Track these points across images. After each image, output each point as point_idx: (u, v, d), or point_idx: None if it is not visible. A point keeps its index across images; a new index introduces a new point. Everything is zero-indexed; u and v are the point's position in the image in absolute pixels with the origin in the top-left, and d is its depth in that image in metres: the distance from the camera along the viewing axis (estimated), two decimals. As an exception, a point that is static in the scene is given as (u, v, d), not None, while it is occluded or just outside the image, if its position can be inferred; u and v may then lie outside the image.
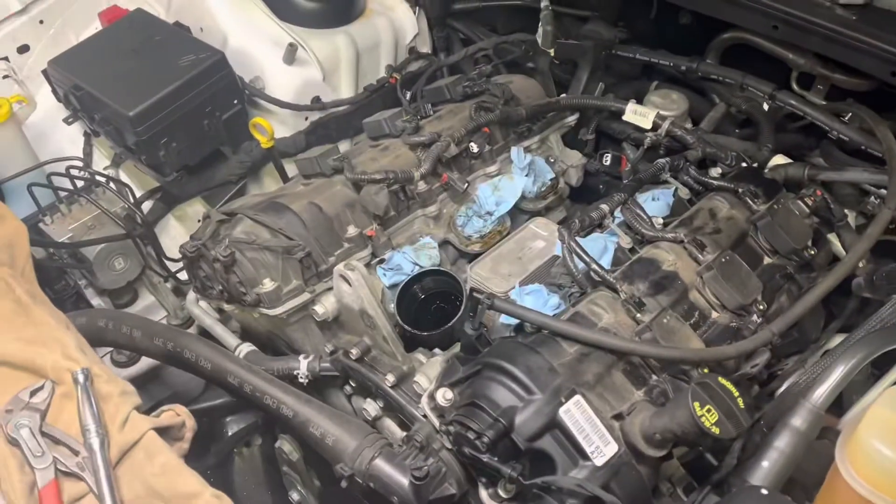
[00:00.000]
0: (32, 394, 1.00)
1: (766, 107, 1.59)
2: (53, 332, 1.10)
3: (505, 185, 1.57)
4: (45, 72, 1.77)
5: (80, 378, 0.99)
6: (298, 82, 1.83)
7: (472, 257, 1.53)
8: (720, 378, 0.98)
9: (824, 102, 1.58)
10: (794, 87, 1.63)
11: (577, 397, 1.06)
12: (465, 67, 1.96)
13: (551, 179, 1.66)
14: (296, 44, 1.80)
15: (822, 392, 0.95)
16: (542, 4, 1.69)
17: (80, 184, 1.68)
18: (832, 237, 1.45)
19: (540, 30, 1.71)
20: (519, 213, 1.63)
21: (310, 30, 1.89)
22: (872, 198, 1.38)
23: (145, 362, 1.64)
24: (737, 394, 0.97)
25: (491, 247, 1.53)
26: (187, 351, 1.26)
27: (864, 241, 1.23)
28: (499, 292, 1.40)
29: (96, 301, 1.74)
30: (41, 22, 1.87)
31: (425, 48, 2.06)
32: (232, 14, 1.85)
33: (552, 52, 1.73)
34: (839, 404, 1.15)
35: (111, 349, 1.63)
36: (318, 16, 1.91)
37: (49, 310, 1.17)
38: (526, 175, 1.61)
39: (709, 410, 0.94)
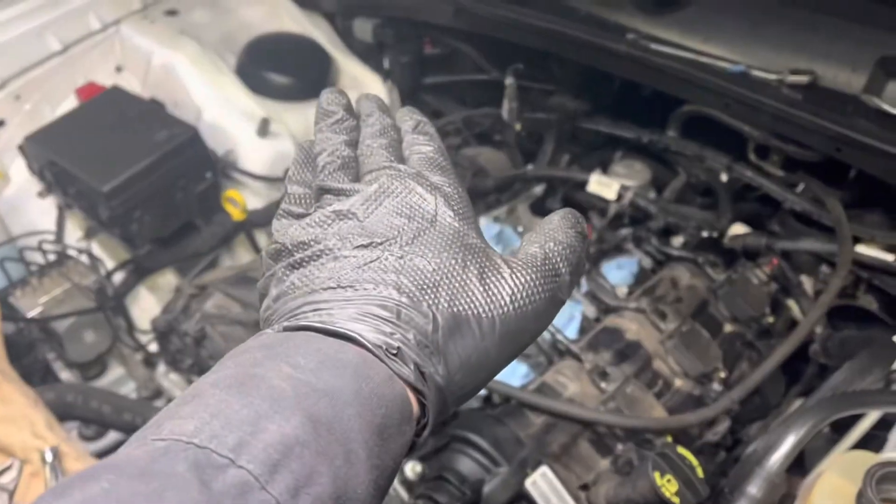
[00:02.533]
0: (0, 473, 0.99)
1: (724, 177, 1.65)
2: (23, 409, 1.10)
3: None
4: (20, 147, 1.79)
5: (49, 457, 1.00)
6: (271, 155, 1.87)
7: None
8: (679, 448, 1.01)
9: (781, 173, 1.64)
10: (752, 157, 1.70)
11: (544, 468, 1.07)
12: (435, 139, 2.02)
13: (519, 248, 1.70)
14: (268, 118, 1.85)
15: (776, 460, 0.97)
16: (507, 81, 1.76)
17: (51, 257, 1.69)
18: (792, 303, 1.49)
19: (505, 105, 1.78)
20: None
21: (283, 103, 1.95)
22: (824, 267, 1.43)
23: (113, 436, 1.63)
24: (696, 463, 0.99)
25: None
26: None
27: (817, 309, 1.27)
28: (468, 361, 1.42)
29: (65, 374, 1.73)
30: (17, 97, 1.90)
31: (396, 120, 2.11)
32: (206, 89, 1.90)
33: (518, 125, 1.79)
34: (802, 466, 1.17)
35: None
36: (290, 90, 1.96)
37: (19, 386, 1.17)
38: (495, 244, 1.65)
39: (669, 480, 0.96)
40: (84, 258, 1.73)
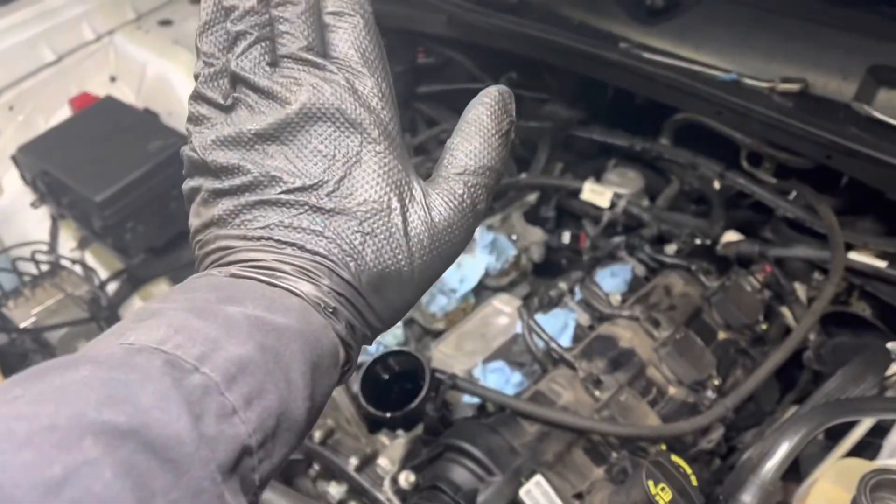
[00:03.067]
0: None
1: (717, 185, 1.66)
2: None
3: (468, 262, 1.61)
4: (13, 157, 1.79)
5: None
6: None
7: (437, 335, 1.56)
8: (673, 456, 1.00)
9: (774, 180, 1.65)
10: (745, 164, 1.70)
11: (538, 477, 1.07)
12: (429, 147, 2.02)
13: (514, 256, 1.70)
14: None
15: (769, 468, 0.97)
16: (501, 90, 1.76)
17: (45, 267, 1.69)
18: (785, 310, 1.50)
19: (498, 114, 1.78)
20: (483, 290, 1.66)
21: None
22: (816, 273, 1.43)
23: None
24: (690, 471, 0.99)
25: (455, 324, 1.56)
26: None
27: (810, 316, 1.27)
28: (463, 370, 1.42)
29: (58, 385, 1.72)
30: (11, 108, 1.90)
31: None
32: (200, 99, 1.90)
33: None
34: (797, 473, 1.17)
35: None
36: (284, 100, 1.97)
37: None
38: (489, 253, 1.65)
39: (663, 489, 0.96)
40: (77, 268, 1.73)
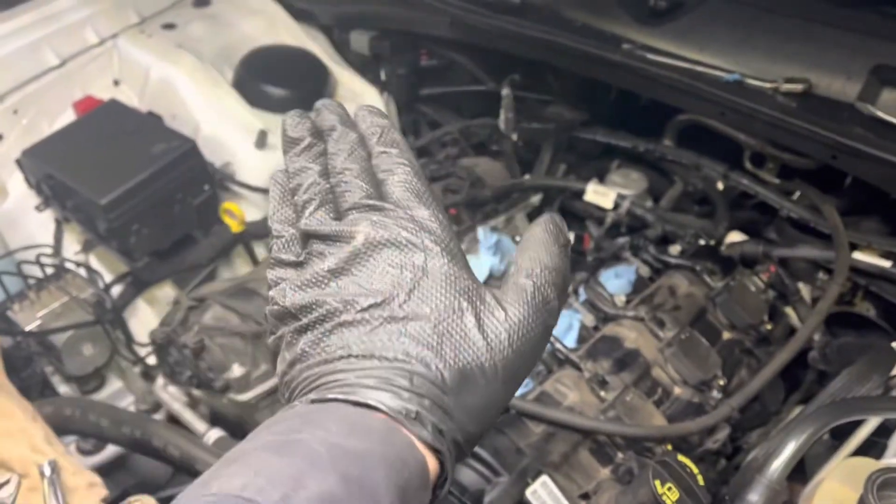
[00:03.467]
0: (-2, 489, 0.99)
1: (720, 186, 1.66)
2: (20, 423, 1.09)
3: (471, 264, 1.61)
4: (18, 161, 1.79)
5: (47, 471, 0.99)
6: (269, 167, 1.87)
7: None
8: (679, 456, 1.01)
9: (777, 180, 1.65)
10: (748, 165, 1.70)
11: (544, 478, 1.07)
12: (433, 149, 2.02)
13: (517, 258, 1.70)
14: (266, 130, 1.85)
15: (776, 467, 0.97)
16: (504, 92, 1.77)
17: (49, 270, 1.69)
18: (790, 310, 1.50)
19: (502, 115, 1.78)
20: (487, 292, 1.66)
21: (280, 115, 1.94)
22: (821, 273, 1.43)
23: (112, 450, 1.62)
24: (696, 471, 0.99)
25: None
26: (155, 438, 1.26)
27: (815, 317, 1.27)
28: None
29: (63, 388, 1.72)
30: (15, 112, 1.90)
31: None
32: (204, 102, 1.90)
33: (514, 136, 1.80)
34: (803, 473, 1.17)
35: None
36: (288, 102, 1.97)
37: (16, 401, 1.17)
38: (493, 254, 1.65)
39: (669, 489, 0.96)
40: (82, 271, 1.73)
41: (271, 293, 0.51)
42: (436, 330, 0.46)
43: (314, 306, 0.48)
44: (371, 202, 0.50)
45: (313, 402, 0.45)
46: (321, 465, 0.39)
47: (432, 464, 0.45)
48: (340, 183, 0.51)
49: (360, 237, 0.48)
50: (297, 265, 0.50)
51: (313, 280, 0.49)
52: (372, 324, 0.47)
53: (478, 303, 0.48)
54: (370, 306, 0.47)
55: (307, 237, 0.51)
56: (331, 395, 0.45)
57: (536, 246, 0.52)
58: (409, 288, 0.47)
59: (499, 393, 0.48)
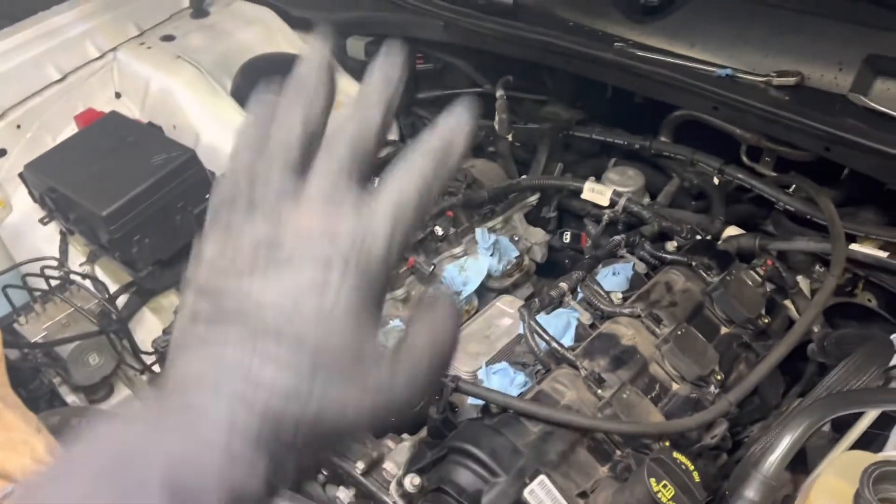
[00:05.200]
0: (1, 499, 1.01)
1: (716, 180, 1.66)
2: (23, 435, 1.11)
3: (470, 265, 1.62)
4: (21, 175, 1.82)
5: (48, 482, 1.01)
6: (268, 174, 1.89)
7: (442, 338, 1.56)
8: (675, 453, 1.01)
9: (774, 174, 1.65)
10: (744, 159, 1.70)
11: (542, 477, 1.07)
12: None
13: (516, 257, 1.71)
14: (265, 138, 1.87)
15: (771, 462, 0.97)
16: (498, 94, 1.78)
17: (54, 282, 1.71)
18: (789, 303, 1.49)
19: (496, 117, 1.79)
20: (486, 292, 1.67)
21: (279, 123, 1.96)
22: (818, 266, 1.43)
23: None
24: (692, 468, 0.99)
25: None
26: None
27: (812, 310, 1.27)
28: (467, 371, 1.43)
29: (71, 398, 1.75)
30: (18, 126, 1.93)
31: (392, 135, 2.13)
32: (203, 111, 1.93)
33: (510, 137, 1.81)
34: (805, 464, 1.17)
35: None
36: (286, 110, 1.98)
37: (20, 413, 1.19)
38: (491, 255, 1.66)
39: (665, 486, 0.97)
40: (87, 282, 1.75)
41: (206, 223, 0.46)
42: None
43: (214, 298, 0.44)
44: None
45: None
46: None
47: None
48: (327, 145, 0.46)
49: (294, 273, 0.43)
50: (231, 227, 0.45)
51: (232, 270, 0.44)
52: (238, 374, 0.42)
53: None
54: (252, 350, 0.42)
55: (251, 203, 0.45)
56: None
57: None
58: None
59: None
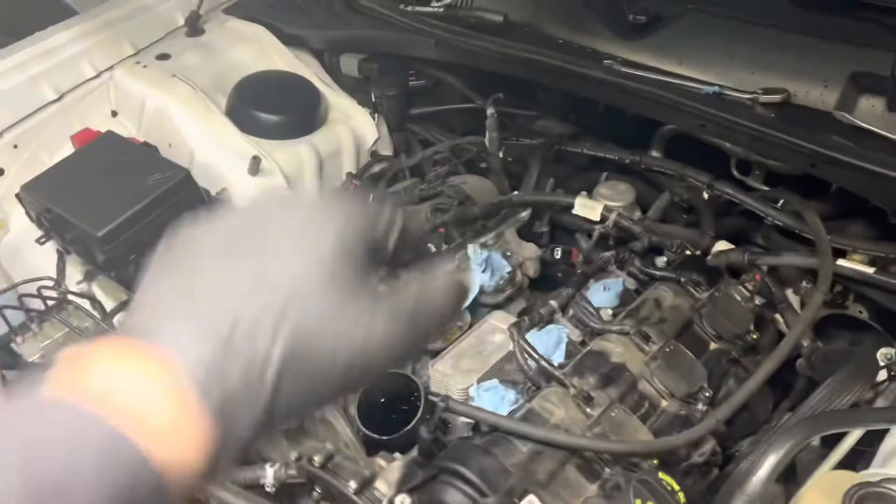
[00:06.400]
0: None
1: (705, 195, 1.67)
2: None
3: (463, 281, 1.63)
4: (17, 195, 1.83)
5: None
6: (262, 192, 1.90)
7: (435, 353, 1.58)
8: (661, 473, 1.02)
9: (764, 187, 1.66)
10: (735, 172, 1.71)
11: (531, 497, 1.09)
12: (425, 167, 2.05)
13: (509, 273, 1.72)
14: (259, 156, 1.88)
15: (756, 482, 0.98)
16: (488, 112, 1.79)
17: (51, 302, 1.72)
18: (779, 318, 1.50)
19: (487, 135, 1.81)
20: (479, 308, 1.68)
21: (273, 141, 1.98)
22: (804, 282, 1.44)
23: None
24: (677, 488, 1.00)
25: (452, 342, 1.58)
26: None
27: (800, 325, 1.28)
28: (460, 388, 1.44)
29: (69, 417, 1.75)
30: (15, 146, 1.94)
31: (386, 151, 2.15)
32: (198, 131, 1.94)
33: (501, 153, 1.83)
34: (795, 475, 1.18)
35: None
36: (280, 128, 2.00)
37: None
38: (483, 270, 1.67)
39: (650, 506, 0.98)
40: (84, 302, 1.76)
41: None
42: None
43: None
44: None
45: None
46: None
47: None
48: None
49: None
50: None
51: None
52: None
53: None
54: None
55: None
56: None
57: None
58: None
59: None
